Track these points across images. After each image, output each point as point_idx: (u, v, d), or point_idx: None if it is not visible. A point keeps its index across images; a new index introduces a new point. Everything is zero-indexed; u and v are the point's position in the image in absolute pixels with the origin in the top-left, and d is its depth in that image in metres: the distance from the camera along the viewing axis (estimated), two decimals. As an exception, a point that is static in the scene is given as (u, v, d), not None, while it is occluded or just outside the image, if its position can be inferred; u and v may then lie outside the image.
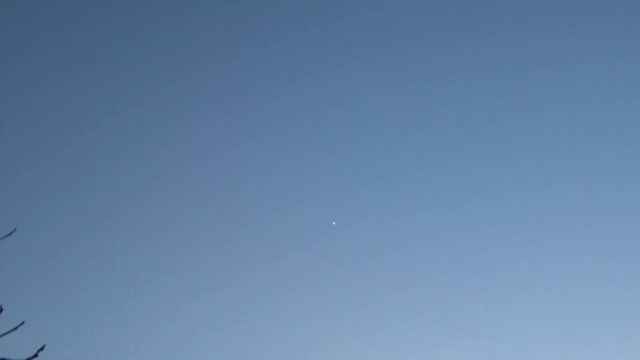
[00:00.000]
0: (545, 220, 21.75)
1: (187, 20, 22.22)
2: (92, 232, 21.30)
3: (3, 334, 5.16)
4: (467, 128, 22.73)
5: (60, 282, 20.69)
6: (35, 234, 20.70)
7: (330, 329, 20.41)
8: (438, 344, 20.01)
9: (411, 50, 22.65)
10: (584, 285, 20.79)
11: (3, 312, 5.20)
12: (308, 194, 22.08)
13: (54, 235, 21.26)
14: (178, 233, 21.78)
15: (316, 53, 22.71)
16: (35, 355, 5.25)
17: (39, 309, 19.45)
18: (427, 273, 21.35)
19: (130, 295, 20.74)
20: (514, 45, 22.48)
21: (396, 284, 21.07)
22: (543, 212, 21.83)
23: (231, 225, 21.86)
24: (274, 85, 22.64)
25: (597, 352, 19.65)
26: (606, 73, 22.45)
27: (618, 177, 21.94)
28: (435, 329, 20.35)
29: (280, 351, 19.73)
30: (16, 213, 20.40)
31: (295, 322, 20.44)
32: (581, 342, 19.88)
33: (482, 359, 19.79)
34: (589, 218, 21.61)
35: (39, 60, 21.87)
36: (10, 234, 5.32)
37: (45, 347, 5.28)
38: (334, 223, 21.65)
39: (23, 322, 5.22)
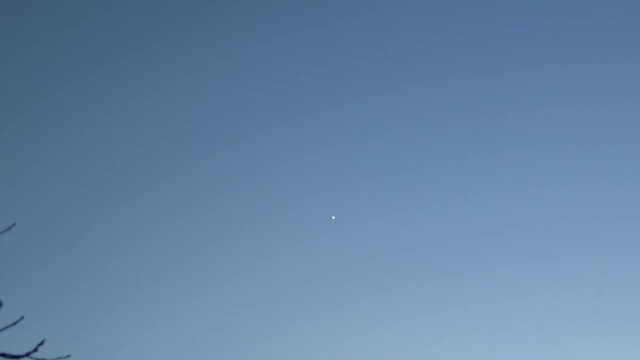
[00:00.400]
0: (546, 220, 21.75)
1: (187, 21, 22.21)
2: (93, 228, 21.30)
3: (3, 329, 5.15)
4: (467, 127, 22.73)
5: (59, 276, 20.71)
6: (35, 228, 20.71)
7: (329, 325, 20.40)
8: (437, 341, 20.01)
9: (411, 49, 22.63)
10: (584, 285, 20.79)
11: (2, 307, 5.20)
12: (308, 192, 22.07)
13: (53, 230, 21.27)
14: (177, 225, 21.78)
15: (316, 53, 22.70)
16: (35, 350, 5.24)
17: (38, 303, 19.46)
18: (427, 270, 21.34)
19: (130, 290, 20.75)
20: (514, 46, 22.48)
21: (394, 281, 21.07)
22: (543, 212, 21.83)
23: (231, 222, 21.84)
24: (275, 85, 22.64)
25: (597, 352, 19.67)
26: (607, 73, 22.45)
27: (618, 177, 21.94)
28: (434, 327, 20.34)
29: (279, 348, 19.73)
30: (16, 208, 20.41)
31: (295, 319, 20.43)
32: (581, 341, 19.89)
33: (482, 357, 19.79)
34: (590, 218, 21.62)
35: (40, 59, 21.86)
36: (9, 228, 5.31)
37: (45, 342, 5.28)
38: (333, 217, 21.65)
39: (22, 317, 5.21)
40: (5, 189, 21.21)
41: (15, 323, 5.20)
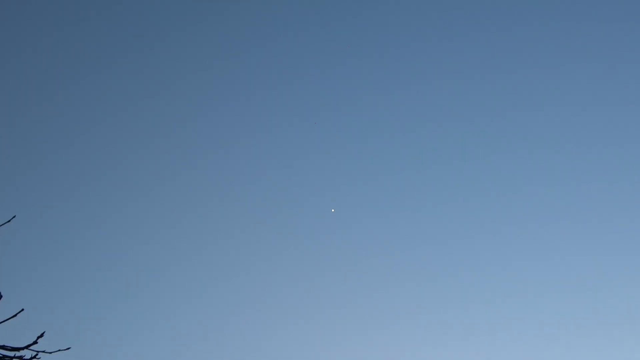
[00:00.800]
0: (547, 220, 21.74)
1: (189, 22, 22.23)
2: (93, 222, 21.33)
3: (3, 321, 5.17)
4: (470, 128, 22.73)
5: (60, 270, 20.72)
6: (35, 222, 20.74)
7: (329, 325, 20.39)
8: (438, 341, 20.00)
9: (414, 51, 22.64)
10: (584, 286, 20.77)
11: (3, 299, 5.21)
12: (309, 192, 22.07)
13: (53, 224, 21.29)
14: (176, 222, 21.80)
15: (317, 53, 22.70)
16: (35, 342, 5.26)
17: (38, 296, 19.47)
18: (428, 270, 21.33)
19: (129, 284, 20.76)
20: (515, 47, 22.49)
21: (395, 281, 21.05)
22: (544, 213, 21.82)
23: (233, 222, 21.84)
24: (275, 85, 22.65)
25: (598, 352, 19.66)
26: (606, 75, 22.46)
27: (618, 178, 21.94)
28: (435, 327, 20.33)
29: (279, 348, 19.73)
30: (16, 201, 20.44)
31: (296, 318, 20.43)
32: (582, 341, 19.87)
33: (482, 357, 19.79)
34: (590, 219, 21.61)
35: (44, 59, 21.88)
36: (9, 220, 5.33)
37: (45, 334, 5.29)
38: (333, 210, 21.64)
39: (22, 309, 5.23)
40: (7, 183, 21.24)
41: (15, 315, 5.21)
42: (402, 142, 22.60)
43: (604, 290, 20.68)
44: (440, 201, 22.18)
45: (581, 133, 22.46)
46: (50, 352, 5.32)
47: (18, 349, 5.21)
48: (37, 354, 5.26)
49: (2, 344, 5.20)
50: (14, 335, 5.28)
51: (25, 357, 5.24)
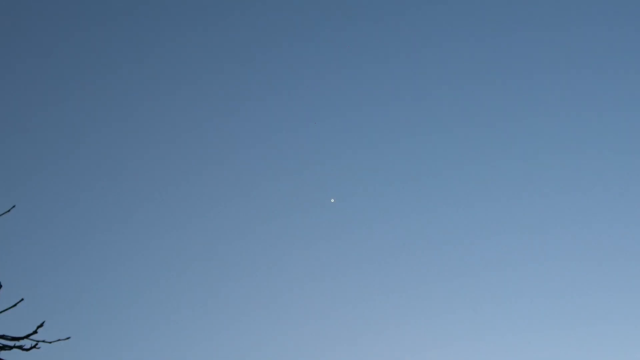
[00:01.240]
0: (552, 224, 21.75)
1: (196, 25, 22.20)
2: (94, 212, 21.35)
3: (2, 311, 5.17)
4: (475, 130, 22.74)
5: (59, 259, 20.75)
6: (35, 211, 20.74)
7: (332, 328, 20.45)
8: (444, 343, 20.04)
9: (416, 53, 22.59)
10: (589, 288, 20.80)
11: (2, 289, 5.21)
12: (314, 194, 22.10)
13: (53, 213, 21.31)
14: (177, 218, 21.83)
15: (319, 54, 22.66)
16: (35, 332, 5.27)
17: (38, 285, 19.50)
18: (434, 272, 21.32)
19: (130, 275, 20.79)
20: (518, 48, 22.46)
21: (400, 283, 21.05)
22: (549, 217, 21.84)
23: (239, 224, 21.88)
24: (276, 85, 22.64)
25: (599, 354, 19.74)
26: (605, 80, 22.44)
27: (620, 182, 21.98)
28: (440, 329, 20.35)
29: (285, 350, 19.79)
30: (15, 189, 20.44)
31: (301, 321, 20.47)
32: (587, 344, 19.93)
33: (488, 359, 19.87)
34: (593, 223, 21.63)
35: (52, 62, 21.89)
36: (9, 210, 5.33)
37: (44, 324, 5.30)
38: (332, 200, 21.66)
39: (22, 299, 5.23)
40: (8, 172, 21.24)
41: (15, 305, 5.22)
42: (413, 146, 22.56)
43: (609, 293, 20.72)
44: (449, 205, 22.16)
45: (583, 137, 22.47)
46: (50, 342, 5.33)
47: (18, 339, 5.22)
48: (37, 344, 5.27)
49: (1, 333, 5.21)
50: (14, 325, 5.28)
51: (25, 347, 5.25)
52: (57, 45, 21.77)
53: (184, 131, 22.33)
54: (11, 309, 5.20)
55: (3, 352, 5.19)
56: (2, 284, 5.22)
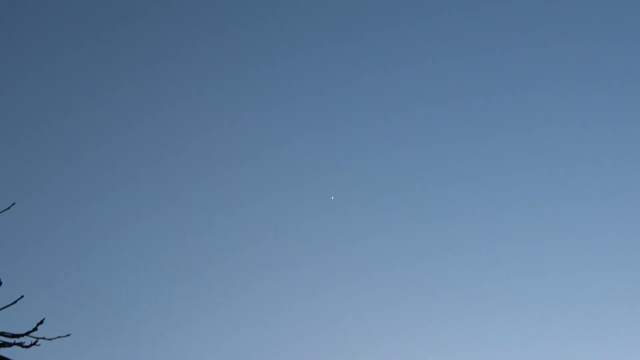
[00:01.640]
0: (558, 232, 21.78)
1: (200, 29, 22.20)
2: (96, 206, 21.36)
3: (2, 308, 5.17)
4: (475, 129, 22.73)
5: (59, 256, 20.74)
6: (35, 207, 20.74)
7: (337, 333, 20.45)
8: (448, 349, 20.03)
9: (417, 55, 22.61)
10: (594, 295, 20.81)
11: (2, 286, 5.21)
12: (320, 197, 22.09)
13: (53, 209, 21.31)
14: (178, 216, 21.84)
15: (318, 51, 22.66)
16: (35, 329, 5.26)
17: (38, 282, 19.50)
18: (439, 279, 21.32)
19: (130, 270, 20.79)
20: (517, 55, 22.46)
21: (405, 289, 21.04)
22: (555, 224, 21.85)
23: (247, 227, 21.86)
24: (277, 85, 22.65)
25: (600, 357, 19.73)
26: (605, 88, 22.45)
27: (621, 190, 21.99)
28: (445, 336, 20.33)
29: (292, 356, 19.79)
30: (16, 187, 20.45)
31: (307, 326, 20.48)
32: (594, 351, 19.93)
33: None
34: (597, 230, 21.65)
35: (62, 65, 21.91)
36: (9, 207, 5.33)
37: (44, 321, 5.30)
38: (332, 198, 21.65)
39: (22, 296, 5.23)
40: (7, 167, 21.24)
41: (15, 302, 5.21)
42: (426, 152, 22.56)
43: (609, 297, 20.72)
44: (454, 212, 22.17)
45: (589, 145, 22.47)
46: (50, 339, 5.32)
47: (18, 336, 5.21)
48: (37, 341, 5.26)
49: (1, 330, 5.20)
50: (14, 322, 5.28)
51: (25, 344, 5.25)
52: (67, 49, 21.82)
53: (187, 134, 22.36)
54: (11, 306, 5.20)
55: (3, 349, 5.19)
56: (2, 280, 5.22)
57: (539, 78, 22.54)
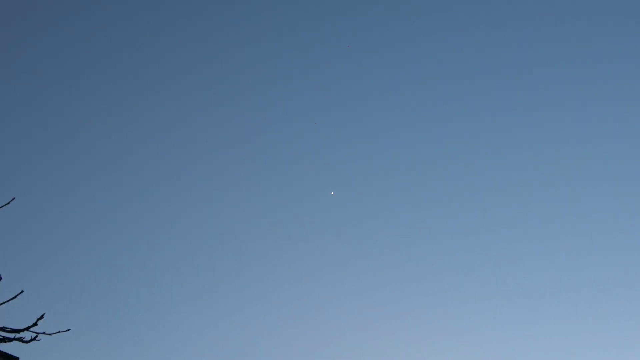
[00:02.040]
0: (562, 236, 21.78)
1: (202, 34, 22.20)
2: (95, 204, 21.35)
3: (2, 303, 5.17)
4: (481, 130, 22.74)
5: (59, 251, 20.74)
6: (35, 203, 20.74)
7: (339, 333, 20.44)
8: (450, 351, 20.00)
9: (417, 55, 22.60)
10: (601, 298, 20.80)
11: (2, 281, 5.21)
12: (327, 201, 22.06)
13: (54, 206, 21.30)
14: (178, 215, 21.84)
15: (321, 52, 22.65)
16: (35, 324, 5.27)
17: (38, 278, 19.50)
18: (444, 282, 21.33)
19: (130, 267, 20.80)
20: (516, 61, 22.44)
21: (410, 291, 21.05)
22: (559, 228, 21.85)
23: (259, 230, 21.85)
24: (277, 85, 22.65)
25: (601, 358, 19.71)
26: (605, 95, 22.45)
27: (624, 193, 21.99)
28: (447, 337, 20.32)
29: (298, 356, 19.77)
30: (16, 183, 20.44)
31: (312, 325, 20.47)
32: (586, 347, 19.91)
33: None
34: (600, 233, 21.65)
35: (71, 69, 21.92)
36: (9, 202, 5.33)
37: (44, 316, 5.30)
38: (332, 193, 21.65)
39: (22, 291, 5.23)
40: (7, 162, 21.24)
41: (15, 297, 5.21)
42: (431, 160, 22.55)
43: (610, 298, 20.71)
44: (462, 217, 22.18)
45: (590, 146, 22.46)
46: (50, 334, 5.33)
47: (18, 331, 5.22)
48: (37, 336, 5.27)
49: (2, 325, 5.20)
50: (14, 317, 5.29)
51: (25, 339, 5.25)
52: (74, 52, 21.82)
53: (194, 137, 22.38)
54: (11, 301, 5.20)
55: (3, 344, 5.19)
56: (2, 276, 5.22)
57: (541, 81, 22.58)
